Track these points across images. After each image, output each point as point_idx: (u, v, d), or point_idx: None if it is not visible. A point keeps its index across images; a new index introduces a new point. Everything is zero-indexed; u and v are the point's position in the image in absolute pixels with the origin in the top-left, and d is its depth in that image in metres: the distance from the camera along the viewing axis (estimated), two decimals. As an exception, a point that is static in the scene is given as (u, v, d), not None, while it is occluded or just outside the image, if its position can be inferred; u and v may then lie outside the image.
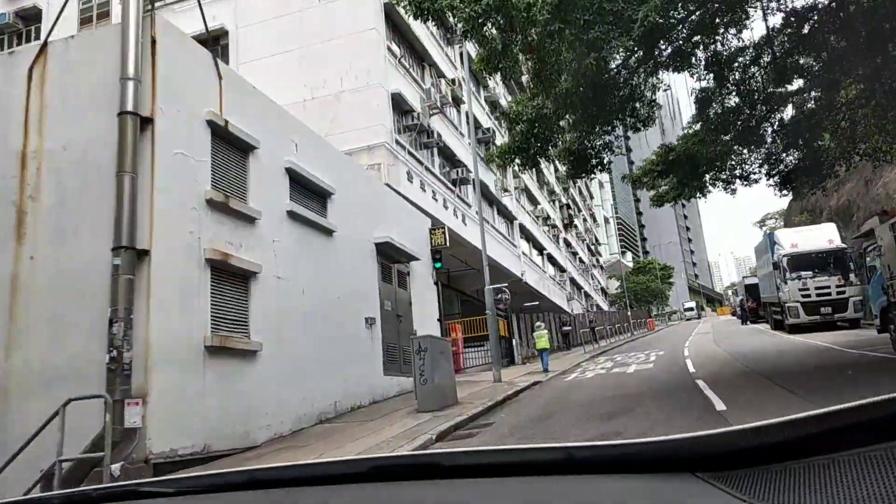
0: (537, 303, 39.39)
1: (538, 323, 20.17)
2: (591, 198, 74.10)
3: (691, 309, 78.42)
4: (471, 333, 23.54)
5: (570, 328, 30.75)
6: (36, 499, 1.51)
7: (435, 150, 21.49)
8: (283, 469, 1.21)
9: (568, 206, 49.18)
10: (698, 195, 16.63)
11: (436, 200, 20.18)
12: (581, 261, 54.73)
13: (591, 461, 0.92)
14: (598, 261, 68.31)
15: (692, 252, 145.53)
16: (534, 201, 38.21)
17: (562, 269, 43.66)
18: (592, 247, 65.18)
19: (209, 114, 8.45)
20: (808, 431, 0.77)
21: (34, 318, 7.40)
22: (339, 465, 1.20)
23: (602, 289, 68.50)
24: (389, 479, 1.03)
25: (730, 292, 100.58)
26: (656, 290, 72.97)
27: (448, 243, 16.79)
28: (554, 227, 42.72)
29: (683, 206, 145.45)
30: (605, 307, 62.94)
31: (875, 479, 0.67)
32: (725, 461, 0.80)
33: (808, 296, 20.40)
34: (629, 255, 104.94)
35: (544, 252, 38.60)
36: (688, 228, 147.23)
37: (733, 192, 16.79)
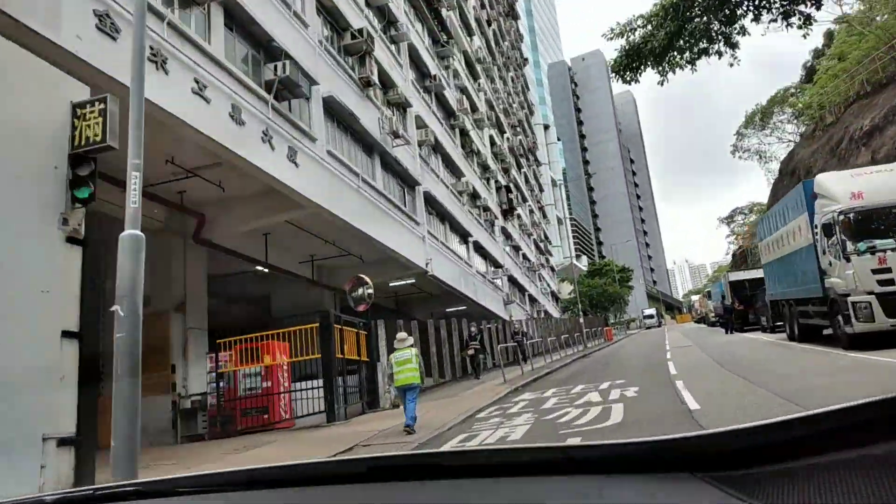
0: (464, 307, 29.80)
1: (401, 334, 10.29)
2: (542, 191, 65.32)
3: (651, 317, 71.77)
4: (311, 354, 13.57)
5: (478, 346, 18.59)
6: (36, 499, 1.31)
7: (218, 15, 11.47)
8: (283, 469, 1.21)
9: (508, 189, 39.79)
10: (716, 45, 7.23)
11: (208, 102, 10.17)
12: (526, 258, 45.42)
13: (590, 461, 0.90)
14: (548, 261, 59.28)
15: (650, 257, 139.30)
16: (456, 172, 28.58)
17: (497, 265, 34.12)
18: (542, 244, 56.08)
19: None
20: (809, 431, 0.76)
21: None
22: (338, 464, 1.22)
23: (553, 293, 59.46)
24: (389, 478, 1.02)
25: (693, 297, 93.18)
26: (614, 294, 64.34)
27: (106, 137, 6.66)
28: (487, 209, 33.17)
29: (639, 197, 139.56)
30: (555, 314, 53.94)
31: (876, 479, 0.66)
32: (725, 461, 0.77)
33: (891, 281, 11.27)
34: (584, 260, 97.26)
35: (470, 239, 28.94)
36: (645, 233, 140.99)
37: (803, 22, 7.40)
